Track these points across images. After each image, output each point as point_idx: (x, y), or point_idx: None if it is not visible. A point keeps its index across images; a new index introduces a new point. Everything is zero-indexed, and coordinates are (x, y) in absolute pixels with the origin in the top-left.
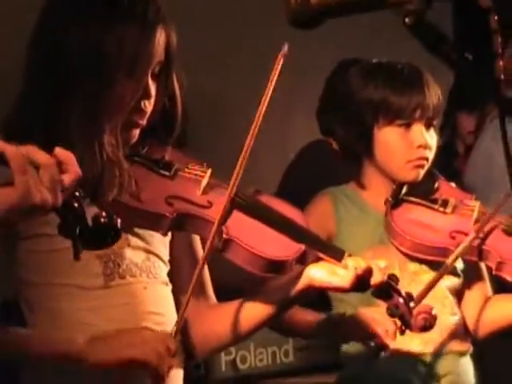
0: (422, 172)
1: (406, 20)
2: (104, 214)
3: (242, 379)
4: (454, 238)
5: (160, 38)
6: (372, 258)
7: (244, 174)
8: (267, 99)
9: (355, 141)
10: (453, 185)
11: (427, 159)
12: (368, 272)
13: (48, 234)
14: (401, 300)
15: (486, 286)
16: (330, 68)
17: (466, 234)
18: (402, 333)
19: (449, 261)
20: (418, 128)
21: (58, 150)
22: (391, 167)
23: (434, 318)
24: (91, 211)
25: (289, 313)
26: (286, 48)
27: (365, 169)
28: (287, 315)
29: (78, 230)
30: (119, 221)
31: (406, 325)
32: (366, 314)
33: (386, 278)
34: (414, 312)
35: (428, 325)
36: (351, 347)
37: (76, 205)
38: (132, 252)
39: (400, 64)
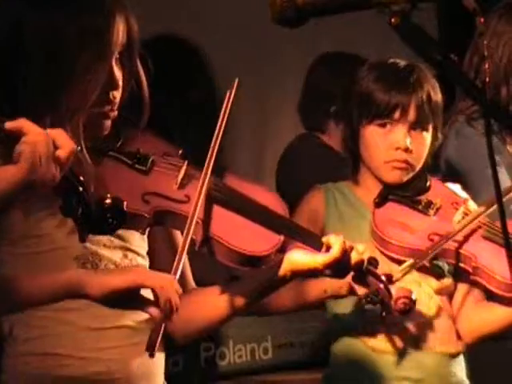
0: (404, 174)
1: (392, 20)
2: (109, 196)
3: (220, 376)
4: (432, 240)
5: (120, 27)
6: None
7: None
8: (221, 132)
9: (345, 137)
10: (450, 186)
11: (406, 162)
12: (349, 251)
13: (31, 235)
14: (381, 285)
15: (478, 291)
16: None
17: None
18: (383, 318)
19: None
20: (398, 130)
21: (48, 130)
22: (372, 166)
23: (414, 302)
24: None
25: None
26: (235, 83)
27: (359, 166)
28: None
29: (80, 213)
30: (125, 203)
31: (385, 309)
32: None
33: (365, 260)
34: (394, 296)
35: (408, 309)
36: (341, 346)
37: (81, 189)
38: (109, 251)
39: (403, 64)
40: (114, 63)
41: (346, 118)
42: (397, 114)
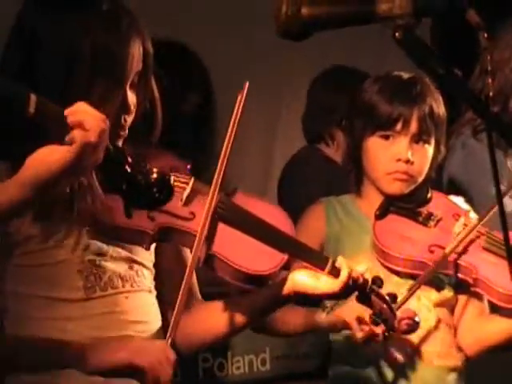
0: (405, 185)
1: (396, 34)
2: (156, 170)
3: None
4: (432, 252)
5: (136, 50)
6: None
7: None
8: (231, 139)
9: (348, 148)
10: (453, 198)
11: (407, 173)
12: (356, 279)
13: (33, 250)
14: (384, 304)
15: (480, 304)
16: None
17: (444, 249)
18: (386, 338)
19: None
20: (400, 141)
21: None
22: (373, 178)
23: (417, 323)
24: None
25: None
26: (246, 87)
27: (362, 178)
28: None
29: (125, 188)
30: (172, 178)
31: (389, 329)
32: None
33: (370, 282)
34: (398, 317)
35: (411, 329)
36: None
37: (126, 167)
38: (114, 263)
39: (406, 76)
40: (128, 88)
41: (349, 129)
42: (399, 126)
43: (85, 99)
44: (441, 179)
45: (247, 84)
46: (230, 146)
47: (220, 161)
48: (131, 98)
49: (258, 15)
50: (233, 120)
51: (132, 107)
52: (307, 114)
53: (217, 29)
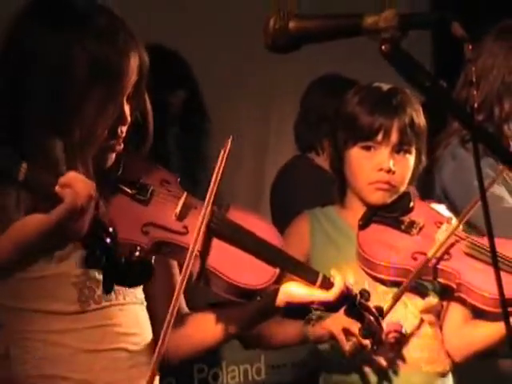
0: (387, 195)
1: (383, 47)
2: (138, 249)
3: None
4: (415, 259)
5: (132, 62)
6: (345, 274)
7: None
8: (213, 192)
9: (332, 159)
10: (435, 206)
11: (389, 183)
12: (347, 292)
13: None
14: (372, 318)
15: (465, 309)
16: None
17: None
18: (374, 351)
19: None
20: (381, 152)
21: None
22: (356, 188)
23: (404, 336)
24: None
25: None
26: (229, 143)
27: (346, 188)
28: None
29: (105, 263)
30: (153, 258)
31: (377, 343)
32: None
33: (358, 295)
34: (385, 330)
35: (398, 342)
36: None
37: (108, 240)
38: None
39: (386, 87)
40: (124, 99)
41: (332, 140)
42: (380, 137)
43: (81, 112)
44: (432, 190)
45: (230, 140)
46: (211, 198)
47: (213, 177)
48: (127, 108)
49: (247, 28)
50: (215, 174)
51: (128, 118)
52: (301, 121)
53: (207, 41)
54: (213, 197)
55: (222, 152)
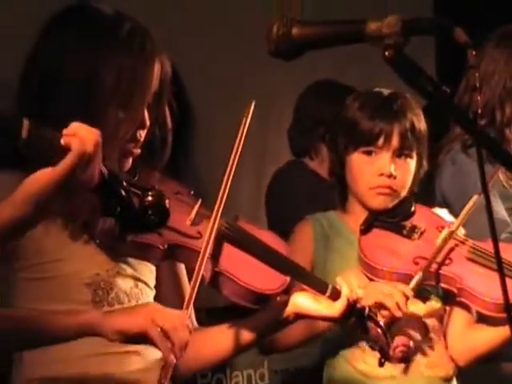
0: (388, 200)
1: (386, 54)
2: (151, 193)
3: None
4: (417, 263)
5: (156, 70)
6: (348, 279)
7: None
8: (238, 153)
9: (332, 164)
10: (437, 210)
11: (390, 188)
12: (354, 303)
13: (41, 262)
14: (379, 331)
15: (468, 313)
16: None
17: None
18: (381, 365)
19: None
20: (382, 157)
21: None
22: (357, 193)
23: (412, 349)
24: None
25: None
26: (251, 107)
27: (347, 194)
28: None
29: (119, 211)
30: (167, 201)
31: (384, 356)
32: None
33: (367, 309)
34: (393, 344)
35: (406, 356)
36: (331, 371)
37: (121, 190)
38: (121, 280)
39: (387, 92)
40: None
41: (332, 146)
42: (380, 141)
43: (106, 117)
44: (433, 195)
45: (252, 104)
46: (234, 163)
47: (225, 178)
48: (146, 113)
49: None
50: (237, 142)
51: (147, 122)
52: (295, 126)
53: (208, 42)
54: (235, 165)
55: (244, 118)
